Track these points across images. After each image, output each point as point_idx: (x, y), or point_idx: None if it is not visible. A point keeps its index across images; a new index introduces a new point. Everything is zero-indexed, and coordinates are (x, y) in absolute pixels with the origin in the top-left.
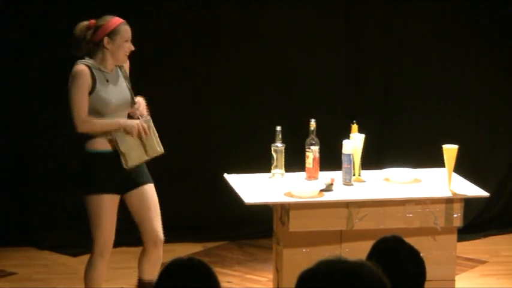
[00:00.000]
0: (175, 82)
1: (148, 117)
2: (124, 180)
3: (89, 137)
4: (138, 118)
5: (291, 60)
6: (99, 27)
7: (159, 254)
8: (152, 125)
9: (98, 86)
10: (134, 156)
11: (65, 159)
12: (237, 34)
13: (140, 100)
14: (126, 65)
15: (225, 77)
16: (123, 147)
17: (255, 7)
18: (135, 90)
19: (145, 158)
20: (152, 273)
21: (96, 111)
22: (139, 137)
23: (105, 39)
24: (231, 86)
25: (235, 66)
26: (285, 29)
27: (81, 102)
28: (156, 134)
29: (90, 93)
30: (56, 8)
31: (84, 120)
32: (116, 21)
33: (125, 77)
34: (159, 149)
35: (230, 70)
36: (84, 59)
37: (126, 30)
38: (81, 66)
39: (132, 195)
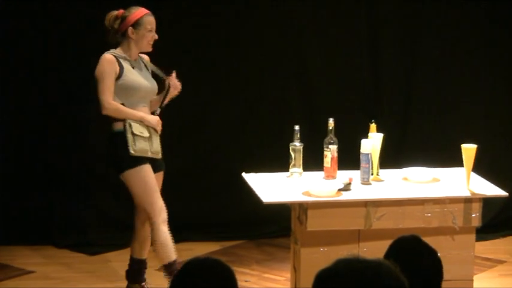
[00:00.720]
0: (195, 81)
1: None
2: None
3: (114, 119)
4: (168, 88)
5: (310, 59)
6: (125, 18)
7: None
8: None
9: (126, 71)
10: (140, 146)
11: (83, 158)
12: (256, 33)
13: (173, 76)
14: (148, 62)
15: (244, 75)
16: (135, 130)
17: (277, 6)
18: None
19: (148, 154)
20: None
21: (126, 95)
22: (153, 132)
23: (130, 30)
24: (250, 85)
25: (254, 65)
26: (305, 28)
27: (107, 86)
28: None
29: (118, 79)
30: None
31: (111, 103)
32: (140, 12)
33: (147, 67)
34: (159, 153)
35: (250, 69)
36: (109, 51)
37: (149, 21)
38: (108, 55)
39: None
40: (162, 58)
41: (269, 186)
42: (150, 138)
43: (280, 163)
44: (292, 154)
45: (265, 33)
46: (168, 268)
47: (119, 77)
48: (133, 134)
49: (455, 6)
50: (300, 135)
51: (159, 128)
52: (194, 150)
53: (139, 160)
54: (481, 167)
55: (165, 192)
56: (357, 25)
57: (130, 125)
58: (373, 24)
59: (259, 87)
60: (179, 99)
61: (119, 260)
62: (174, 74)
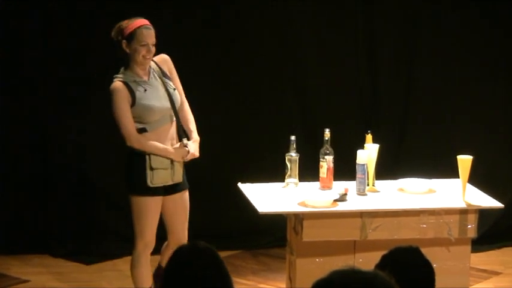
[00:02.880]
0: (191, 90)
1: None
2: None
3: None
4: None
5: (307, 70)
6: (121, 31)
7: None
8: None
9: (138, 96)
10: (161, 176)
11: (82, 169)
12: (252, 43)
13: (191, 146)
14: (167, 63)
15: (240, 85)
16: (154, 164)
17: (272, 16)
18: None
19: (169, 182)
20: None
21: (142, 120)
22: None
23: (124, 43)
24: (247, 95)
25: (251, 74)
26: (302, 37)
27: (125, 117)
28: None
29: (132, 105)
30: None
31: (135, 136)
32: (134, 24)
33: (160, 77)
34: (181, 178)
35: (245, 79)
36: (119, 71)
37: (141, 34)
38: (116, 83)
39: (169, 200)
40: None
41: (265, 197)
42: (172, 166)
43: (276, 173)
44: (288, 164)
45: (262, 43)
46: None
47: (132, 104)
48: (151, 168)
49: (453, 16)
50: (296, 145)
51: (185, 156)
52: (190, 161)
53: (151, 190)
54: (476, 178)
55: None
56: (354, 35)
57: (150, 158)
58: (371, 34)
59: (255, 97)
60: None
61: (115, 270)
62: (190, 146)
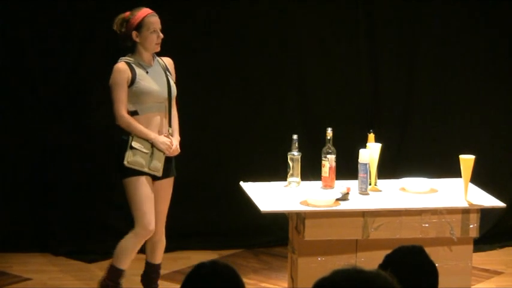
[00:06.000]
0: (193, 90)
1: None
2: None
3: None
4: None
5: (309, 69)
6: (128, 22)
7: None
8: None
9: (138, 78)
10: (138, 158)
11: (83, 167)
12: (256, 44)
13: (175, 148)
14: (171, 65)
15: (243, 85)
16: (135, 144)
17: (274, 17)
18: None
19: (144, 169)
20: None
21: (138, 101)
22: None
23: (133, 33)
24: (249, 94)
25: (253, 74)
26: (304, 38)
27: (120, 97)
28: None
29: (131, 85)
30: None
31: (123, 116)
32: (142, 13)
33: (165, 69)
34: (160, 171)
35: (248, 78)
36: (126, 55)
37: (151, 22)
38: (120, 64)
39: (155, 185)
40: None
41: (267, 196)
42: (151, 154)
43: (278, 172)
44: (290, 163)
45: (264, 43)
46: (111, 269)
47: (131, 83)
48: (131, 147)
49: (454, 17)
50: (298, 144)
51: (168, 152)
52: (192, 160)
53: (135, 171)
54: (479, 178)
55: None
56: (355, 36)
57: (132, 139)
58: (372, 34)
59: (257, 96)
60: (178, 109)
61: None
62: (174, 146)
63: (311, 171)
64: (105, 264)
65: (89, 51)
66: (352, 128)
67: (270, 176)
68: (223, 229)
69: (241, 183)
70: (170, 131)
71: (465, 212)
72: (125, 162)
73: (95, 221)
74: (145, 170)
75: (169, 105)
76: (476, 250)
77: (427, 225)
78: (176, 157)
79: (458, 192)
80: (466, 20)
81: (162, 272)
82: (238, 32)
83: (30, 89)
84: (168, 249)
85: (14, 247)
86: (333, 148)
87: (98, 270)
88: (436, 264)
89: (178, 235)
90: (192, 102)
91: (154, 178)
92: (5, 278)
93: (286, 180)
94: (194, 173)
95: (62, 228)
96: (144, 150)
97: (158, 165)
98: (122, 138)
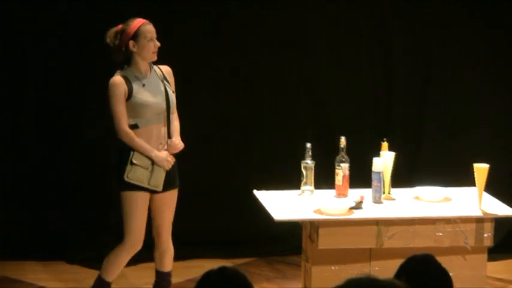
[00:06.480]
0: (206, 97)
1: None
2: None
3: None
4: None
5: (323, 77)
6: (123, 33)
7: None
8: (174, 163)
9: (135, 91)
10: (138, 174)
11: (97, 174)
12: (269, 51)
13: (174, 144)
14: (169, 74)
15: (257, 93)
16: (135, 160)
17: (289, 25)
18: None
19: (144, 185)
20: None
21: (137, 114)
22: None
23: (130, 43)
24: (262, 102)
25: (266, 82)
26: (318, 46)
27: (120, 112)
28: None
29: (128, 99)
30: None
31: (125, 131)
32: (136, 23)
33: (162, 79)
34: (160, 186)
35: (262, 86)
36: (123, 67)
37: (147, 30)
38: (116, 78)
39: (158, 197)
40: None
41: (280, 204)
42: (152, 170)
43: (292, 181)
44: (304, 172)
45: (278, 50)
46: (99, 281)
47: (128, 97)
48: (132, 163)
49: (469, 26)
50: (312, 153)
51: (165, 166)
52: (205, 167)
53: (134, 186)
54: (493, 187)
55: (176, 209)
56: (369, 43)
57: (133, 154)
58: (386, 42)
59: (271, 104)
60: (191, 116)
61: (131, 276)
62: (174, 140)
63: (324, 179)
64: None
65: (89, 51)
66: (365, 136)
67: (284, 184)
68: (237, 237)
69: (255, 191)
70: (169, 141)
71: (479, 221)
72: (125, 177)
73: (109, 229)
74: (145, 185)
75: (168, 116)
76: (490, 259)
77: (441, 234)
78: (190, 165)
79: (473, 201)
80: (482, 29)
81: (175, 280)
82: (252, 39)
83: (30, 89)
84: (181, 257)
85: (28, 255)
86: (346, 157)
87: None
88: (450, 274)
89: (192, 243)
90: (204, 109)
91: (156, 191)
92: (20, 286)
93: (299, 188)
94: (208, 182)
95: (77, 236)
96: (145, 166)
97: (158, 181)
98: (122, 148)
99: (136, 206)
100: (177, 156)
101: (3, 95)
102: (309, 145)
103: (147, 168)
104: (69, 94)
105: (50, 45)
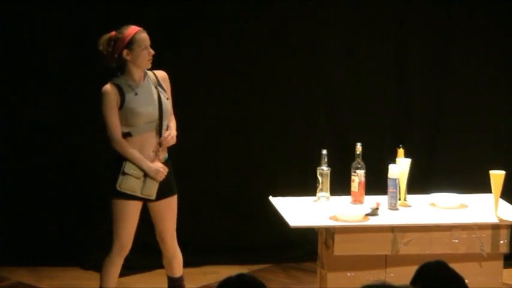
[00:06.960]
0: (222, 103)
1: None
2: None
3: None
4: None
5: (339, 84)
6: (117, 41)
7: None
8: (169, 169)
9: (127, 100)
10: (130, 183)
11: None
12: (284, 57)
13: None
14: (165, 79)
15: (272, 99)
16: (127, 169)
17: (303, 31)
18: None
19: (137, 194)
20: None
21: (128, 123)
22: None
23: (124, 52)
24: (278, 109)
25: (282, 88)
26: (334, 51)
27: (112, 121)
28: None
29: (121, 108)
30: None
31: (118, 141)
32: (131, 31)
33: (156, 85)
34: (153, 195)
35: (277, 92)
36: (117, 75)
37: (142, 38)
38: (107, 86)
39: (156, 205)
40: (184, 86)
41: (296, 210)
42: (144, 180)
43: (308, 187)
44: (320, 178)
45: (293, 56)
46: None
47: (121, 106)
48: (124, 173)
49: (485, 31)
50: (328, 159)
51: (158, 177)
52: (221, 174)
53: (125, 195)
54: (509, 193)
55: (192, 215)
56: (385, 50)
57: (125, 164)
58: (402, 48)
59: (287, 111)
60: (207, 120)
61: (144, 282)
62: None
63: (340, 186)
64: (133, 278)
65: (89, 51)
66: (381, 143)
67: (299, 190)
68: (252, 244)
69: (271, 198)
70: (160, 150)
71: (495, 227)
72: (117, 187)
73: None
74: (138, 194)
75: (161, 124)
76: (506, 266)
77: (457, 240)
78: (204, 170)
79: (489, 208)
80: (496, 34)
81: (191, 286)
82: (266, 45)
83: (30, 89)
84: (197, 263)
85: (43, 261)
86: (362, 163)
87: (127, 284)
88: (466, 281)
89: (207, 250)
90: (220, 115)
91: (150, 200)
92: None
93: (315, 195)
94: (223, 188)
95: (92, 242)
96: (137, 176)
97: (151, 191)
98: (116, 156)
99: (127, 214)
100: (193, 161)
101: (3, 95)
102: (324, 152)
103: (139, 178)
104: (69, 94)
105: (50, 45)
